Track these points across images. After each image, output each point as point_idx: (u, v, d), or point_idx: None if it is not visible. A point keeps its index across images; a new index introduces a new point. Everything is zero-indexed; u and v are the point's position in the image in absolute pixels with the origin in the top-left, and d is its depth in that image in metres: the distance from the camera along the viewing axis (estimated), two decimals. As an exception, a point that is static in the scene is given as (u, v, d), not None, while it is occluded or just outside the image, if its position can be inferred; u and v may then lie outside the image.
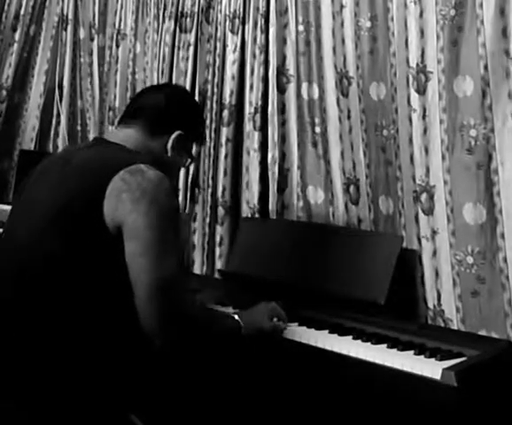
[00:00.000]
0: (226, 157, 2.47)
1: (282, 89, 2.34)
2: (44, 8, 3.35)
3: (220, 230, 2.48)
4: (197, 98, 2.54)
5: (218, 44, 2.52)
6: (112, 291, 1.38)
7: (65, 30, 3.32)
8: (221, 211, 2.48)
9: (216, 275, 2.46)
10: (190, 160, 1.71)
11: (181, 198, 2.59)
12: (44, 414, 1.32)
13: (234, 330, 1.54)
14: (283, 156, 2.34)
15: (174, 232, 1.40)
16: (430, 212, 1.88)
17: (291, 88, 2.32)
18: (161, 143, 1.57)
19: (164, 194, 1.38)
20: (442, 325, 1.85)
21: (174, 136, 1.58)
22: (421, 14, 1.88)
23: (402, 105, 1.95)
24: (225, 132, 2.48)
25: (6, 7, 3.28)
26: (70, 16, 3.29)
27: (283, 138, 2.34)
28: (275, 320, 1.68)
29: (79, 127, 3.26)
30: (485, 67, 1.74)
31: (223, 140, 2.48)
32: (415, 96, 1.90)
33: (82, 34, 3.25)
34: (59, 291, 1.34)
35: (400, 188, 1.98)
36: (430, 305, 1.88)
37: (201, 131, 1.76)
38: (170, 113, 1.60)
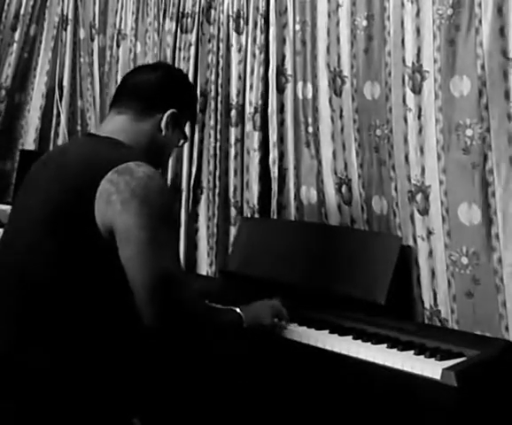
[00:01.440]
0: (236, 157, 2.47)
1: (280, 89, 2.34)
2: (45, 8, 3.35)
3: (233, 231, 2.48)
4: (198, 99, 2.54)
5: (221, 45, 2.52)
6: (110, 293, 1.37)
7: (65, 30, 3.32)
8: (233, 211, 2.49)
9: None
10: (183, 140, 1.67)
11: (184, 199, 2.59)
12: (46, 417, 1.31)
13: (235, 323, 1.53)
14: (282, 156, 2.34)
15: (167, 229, 1.36)
16: (425, 212, 1.88)
17: (289, 87, 2.32)
18: (154, 123, 1.54)
19: (155, 192, 1.34)
20: (439, 325, 1.84)
21: (167, 114, 1.54)
22: (417, 13, 1.88)
23: (397, 105, 1.94)
24: (233, 132, 2.48)
25: (6, 7, 3.28)
26: (70, 16, 3.29)
27: (282, 138, 2.34)
28: (275, 320, 1.68)
29: (79, 127, 3.26)
30: (482, 67, 1.74)
31: (232, 140, 2.48)
32: (410, 95, 1.90)
33: (83, 34, 3.25)
34: (59, 293, 1.33)
35: (394, 188, 1.97)
36: (427, 306, 1.88)
37: (194, 109, 1.73)
38: (163, 92, 1.56)
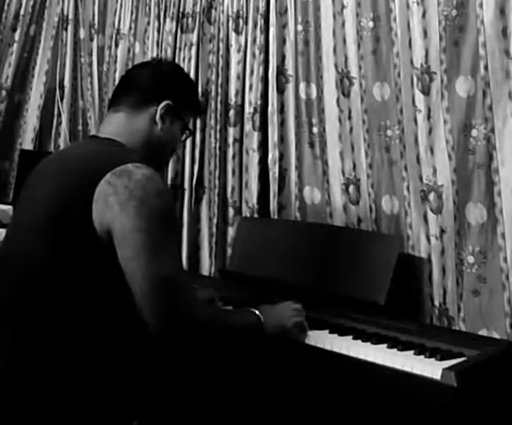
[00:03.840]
0: (234, 157, 2.48)
1: (281, 89, 2.34)
2: (45, 8, 3.34)
3: (230, 231, 2.48)
4: (200, 99, 2.54)
5: (221, 45, 2.52)
6: (109, 294, 1.36)
7: (66, 30, 3.31)
8: (230, 211, 2.49)
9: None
10: (187, 134, 1.65)
11: (187, 198, 2.58)
12: (44, 419, 1.31)
13: (254, 326, 1.51)
14: (282, 156, 2.34)
15: (167, 232, 1.35)
16: (438, 211, 1.89)
17: (290, 88, 2.32)
18: (149, 116, 1.52)
19: (153, 194, 1.33)
20: (446, 324, 1.86)
21: (161, 106, 1.52)
22: (423, 15, 1.89)
23: (407, 106, 1.95)
24: (232, 132, 2.48)
25: (6, 7, 3.28)
26: (70, 16, 3.28)
27: (282, 138, 2.34)
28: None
29: (80, 127, 3.26)
30: (486, 67, 1.75)
31: (230, 140, 2.48)
32: (419, 96, 1.91)
33: (83, 34, 3.24)
34: (57, 295, 1.33)
35: (406, 187, 1.98)
36: (436, 304, 1.89)
37: (194, 101, 1.70)
38: (155, 84, 1.54)
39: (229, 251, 2.47)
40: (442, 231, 1.88)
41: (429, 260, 1.91)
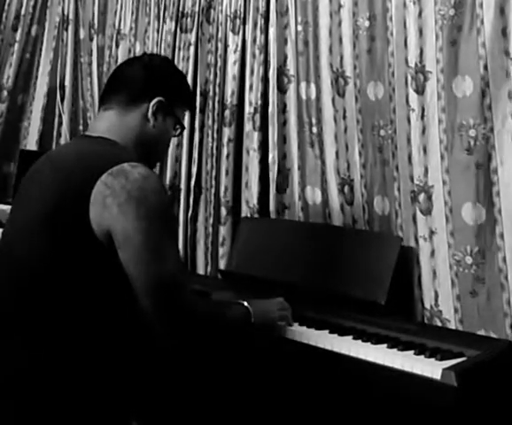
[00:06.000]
0: (228, 157, 2.48)
1: (283, 90, 2.34)
2: (46, 8, 3.35)
3: (222, 230, 2.48)
4: (198, 99, 2.55)
5: (219, 44, 2.52)
6: (107, 295, 1.36)
7: (66, 30, 3.32)
8: (223, 211, 2.49)
9: (218, 275, 2.46)
10: (179, 129, 1.63)
11: (182, 198, 2.59)
12: (43, 418, 1.30)
13: (244, 318, 1.53)
14: (284, 156, 2.34)
15: (166, 230, 1.35)
16: (428, 212, 1.88)
17: (292, 88, 2.32)
18: (141, 114, 1.50)
19: (151, 193, 1.33)
20: (439, 325, 1.84)
21: (153, 103, 1.50)
22: (420, 14, 1.89)
23: (400, 105, 1.94)
24: (227, 132, 2.48)
25: (6, 7, 3.28)
26: (71, 16, 3.29)
27: (284, 138, 2.34)
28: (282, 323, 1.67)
29: (81, 127, 3.26)
30: (485, 67, 1.74)
31: (225, 140, 2.48)
32: (413, 95, 1.90)
33: (82, 34, 3.25)
34: (55, 295, 1.32)
35: (397, 188, 1.97)
36: (427, 306, 1.88)
37: (185, 96, 1.69)
38: (146, 80, 1.52)
39: (221, 250, 2.47)
40: (432, 232, 1.87)
41: (417, 262, 1.90)
